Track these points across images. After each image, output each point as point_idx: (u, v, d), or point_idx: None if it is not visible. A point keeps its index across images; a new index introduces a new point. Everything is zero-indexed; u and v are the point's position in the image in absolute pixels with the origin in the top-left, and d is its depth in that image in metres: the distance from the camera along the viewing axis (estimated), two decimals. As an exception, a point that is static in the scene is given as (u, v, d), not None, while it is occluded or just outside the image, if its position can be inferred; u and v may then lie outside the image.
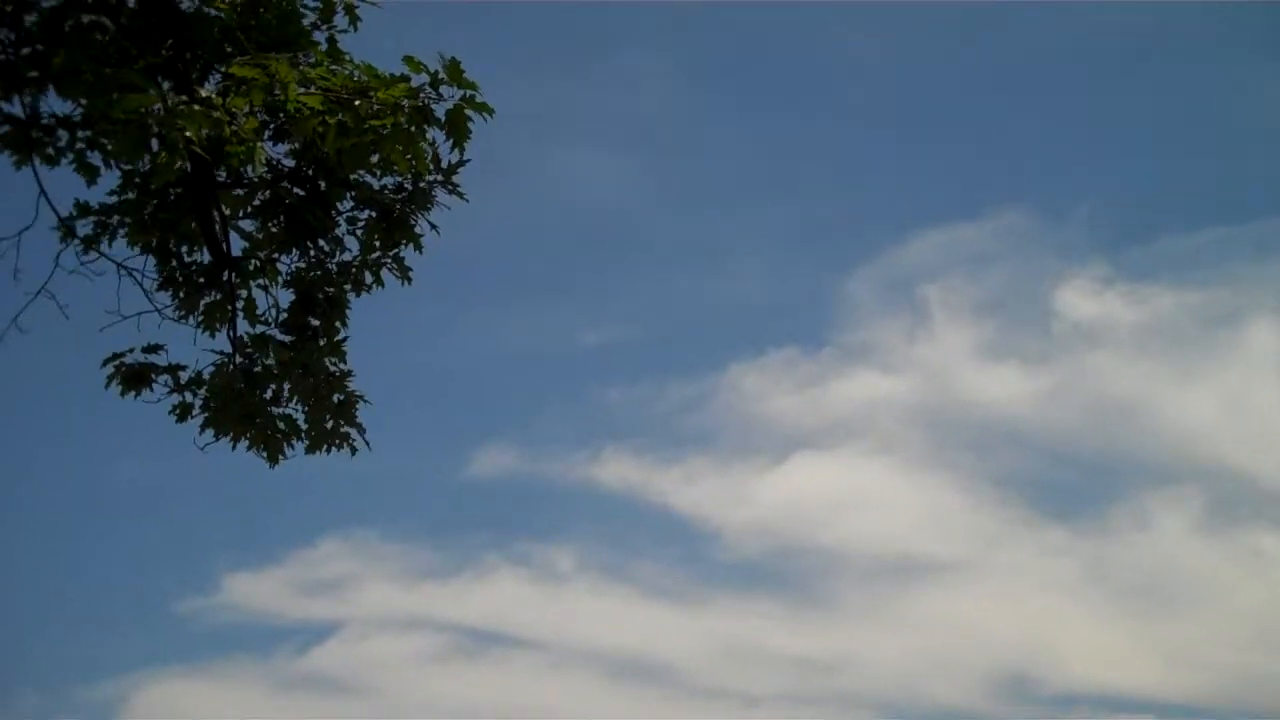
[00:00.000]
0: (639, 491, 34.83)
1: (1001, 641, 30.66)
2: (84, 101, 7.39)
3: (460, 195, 7.76)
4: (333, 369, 8.44)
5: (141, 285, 8.58)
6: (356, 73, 6.65)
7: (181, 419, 8.71)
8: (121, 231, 8.43)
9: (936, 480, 34.46)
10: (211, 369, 8.56)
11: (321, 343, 8.54)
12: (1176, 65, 38.65)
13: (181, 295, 8.58)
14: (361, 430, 8.65)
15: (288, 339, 8.59)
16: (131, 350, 8.63)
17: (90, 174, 8.09)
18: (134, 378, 8.65)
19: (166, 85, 6.88)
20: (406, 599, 31.94)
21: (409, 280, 8.21)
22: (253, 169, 6.69)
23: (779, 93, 40.10)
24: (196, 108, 6.00)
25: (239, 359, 8.46)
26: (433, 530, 34.27)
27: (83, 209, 8.37)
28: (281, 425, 8.57)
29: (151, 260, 8.57)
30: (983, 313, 36.64)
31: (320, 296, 8.35)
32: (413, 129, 6.44)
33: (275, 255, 8.34)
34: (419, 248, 8.06)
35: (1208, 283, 35.63)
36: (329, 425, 8.54)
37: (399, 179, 7.72)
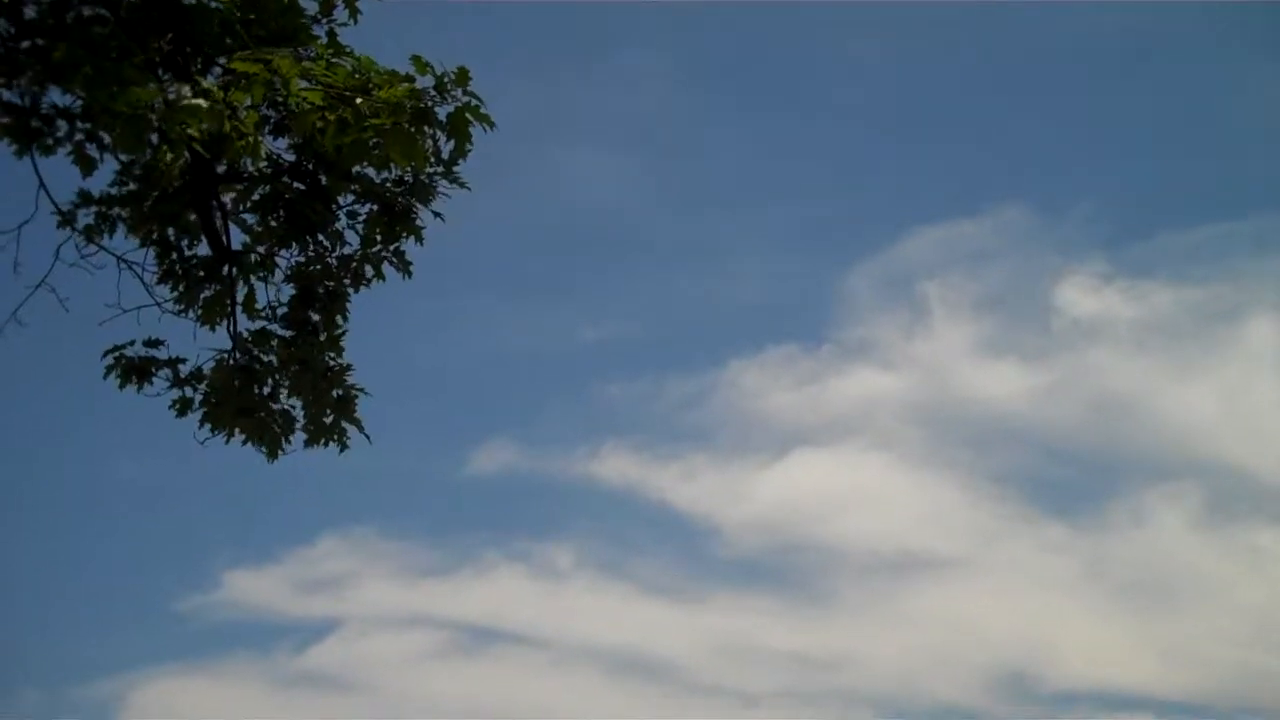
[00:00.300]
0: (638, 488, 34.84)
1: (1000, 638, 30.69)
2: (83, 93, 7.37)
3: (462, 185, 7.73)
4: (332, 364, 8.42)
5: (141, 279, 8.57)
6: (357, 67, 6.61)
7: (181, 413, 8.70)
8: (121, 223, 8.43)
9: (935, 477, 34.47)
10: (211, 364, 8.53)
11: (321, 337, 8.52)
12: (1175, 63, 38.62)
13: (181, 289, 8.57)
14: (360, 425, 8.64)
15: (287, 334, 8.59)
16: (132, 343, 8.64)
17: (88, 165, 8.06)
18: (134, 370, 8.64)
19: (167, 78, 6.87)
20: (406, 596, 31.97)
21: (409, 274, 8.19)
22: (253, 163, 6.67)
23: (778, 91, 40.05)
24: (198, 102, 5.97)
25: (238, 354, 8.43)
26: (432, 527, 34.26)
27: (84, 198, 8.36)
28: (280, 420, 8.54)
29: (151, 254, 8.58)
30: (982, 309, 36.64)
31: (320, 291, 8.33)
32: (413, 129, 6.42)
33: (275, 250, 8.32)
34: (420, 240, 8.06)
35: (1207, 279, 35.62)
36: (328, 420, 8.52)
37: (400, 172, 7.70)
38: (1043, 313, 35.97)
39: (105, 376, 8.64)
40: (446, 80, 6.60)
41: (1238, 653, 29.35)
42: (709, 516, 35.33)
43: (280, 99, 6.37)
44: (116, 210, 8.41)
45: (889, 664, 30.64)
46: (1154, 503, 32.54)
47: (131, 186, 8.30)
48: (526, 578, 32.36)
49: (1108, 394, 34.89)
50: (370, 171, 7.74)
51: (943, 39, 38.05)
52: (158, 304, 8.40)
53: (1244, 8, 33.39)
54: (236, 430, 8.66)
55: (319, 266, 8.41)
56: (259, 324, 8.62)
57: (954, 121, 39.88)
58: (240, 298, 8.58)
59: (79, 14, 7.29)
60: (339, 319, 8.53)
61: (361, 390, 8.65)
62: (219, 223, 8.42)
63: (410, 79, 6.54)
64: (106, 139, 7.91)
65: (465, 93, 6.62)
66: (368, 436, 8.56)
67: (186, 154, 6.65)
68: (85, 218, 8.40)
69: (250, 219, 8.39)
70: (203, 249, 8.58)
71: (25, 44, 7.34)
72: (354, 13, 7.69)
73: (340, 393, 8.54)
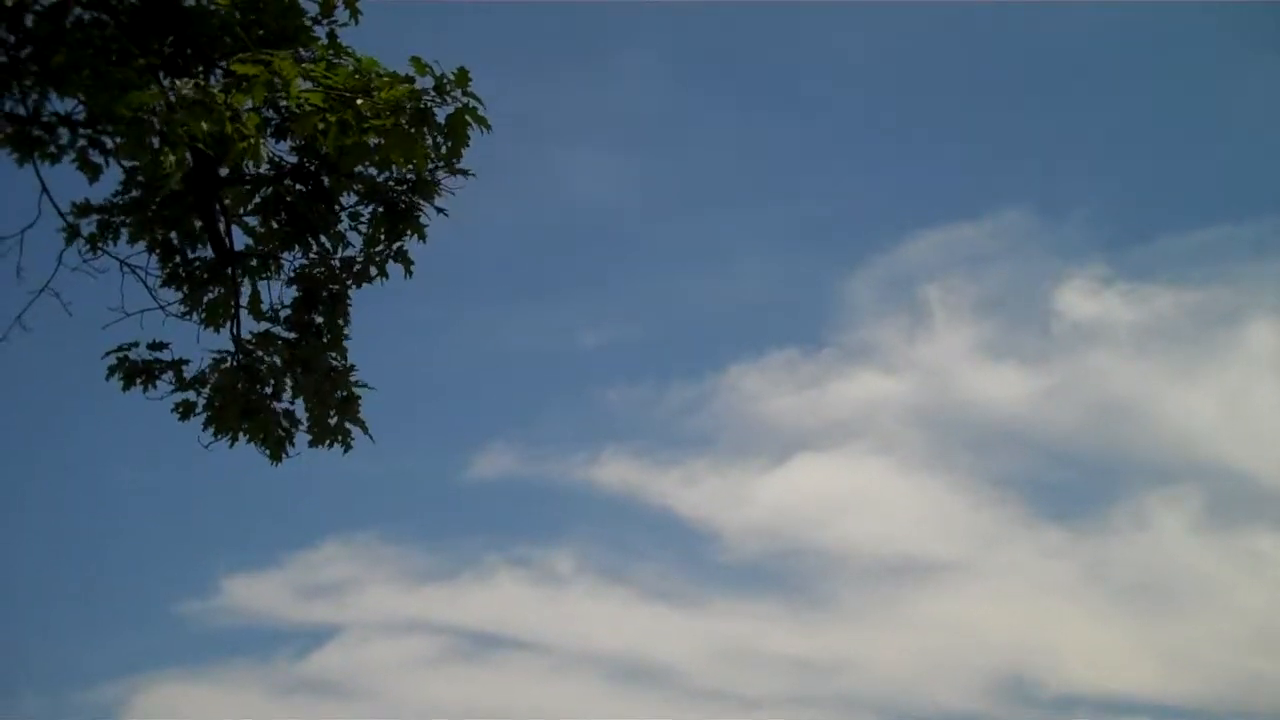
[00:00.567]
0: (638, 493, 34.77)
1: (1000, 643, 30.62)
2: (84, 98, 7.39)
3: (465, 173, 7.74)
4: (335, 365, 8.44)
5: (145, 282, 8.58)
6: (358, 68, 6.63)
7: (184, 417, 8.70)
8: (125, 230, 8.44)
9: (936, 481, 34.39)
10: (213, 367, 8.54)
11: (324, 339, 8.53)
12: (1175, 65, 38.56)
13: (185, 291, 8.59)
14: (364, 426, 8.65)
15: (291, 335, 8.61)
16: (135, 345, 8.64)
17: (92, 172, 8.06)
18: (137, 373, 8.65)
19: (167, 81, 6.88)
20: (406, 602, 31.91)
21: (411, 272, 8.20)
22: (255, 165, 6.69)
23: (779, 93, 40.03)
24: (198, 104, 5.99)
25: (241, 356, 8.45)
26: (432, 533, 34.21)
27: (84, 208, 8.36)
28: (284, 422, 8.55)
29: (155, 258, 8.59)
30: (982, 312, 36.56)
31: (324, 293, 8.35)
32: (413, 130, 6.43)
33: (278, 251, 8.34)
34: (423, 238, 8.07)
35: (1207, 282, 35.53)
36: (332, 421, 8.54)
37: (401, 171, 7.71)
38: (1043, 316, 35.91)
39: (108, 378, 8.64)
40: (446, 82, 6.62)
41: (1238, 657, 29.30)
42: (709, 521, 35.25)
43: (282, 100, 6.38)
44: (120, 218, 8.43)
45: (890, 668, 30.60)
46: (1154, 506, 32.48)
47: (135, 194, 8.31)
48: (527, 583, 32.35)
49: (1108, 397, 34.84)
50: (372, 171, 7.76)
51: (944, 41, 38.10)
52: (161, 307, 8.41)
53: (1244, 9, 33.44)
54: (240, 433, 8.68)
55: (322, 269, 8.43)
56: (263, 326, 8.65)
57: (954, 124, 39.90)
58: (244, 300, 8.62)
59: (78, 19, 7.31)
60: (341, 320, 8.53)
61: (366, 386, 8.66)
62: (222, 226, 8.44)
63: (410, 80, 6.55)
64: (109, 144, 7.94)
65: (465, 94, 6.63)
66: (371, 437, 8.58)
67: (188, 156, 6.65)
68: (88, 226, 8.42)
69: (253, 221, 8.43)
70: (206, 252, 8.62)
71: (26, 50, 7.34)
72: (355, 13, 7.70)
73: (344, 394, 8.54)
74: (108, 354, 8.60)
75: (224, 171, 8.02)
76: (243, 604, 30.92)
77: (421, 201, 8.06)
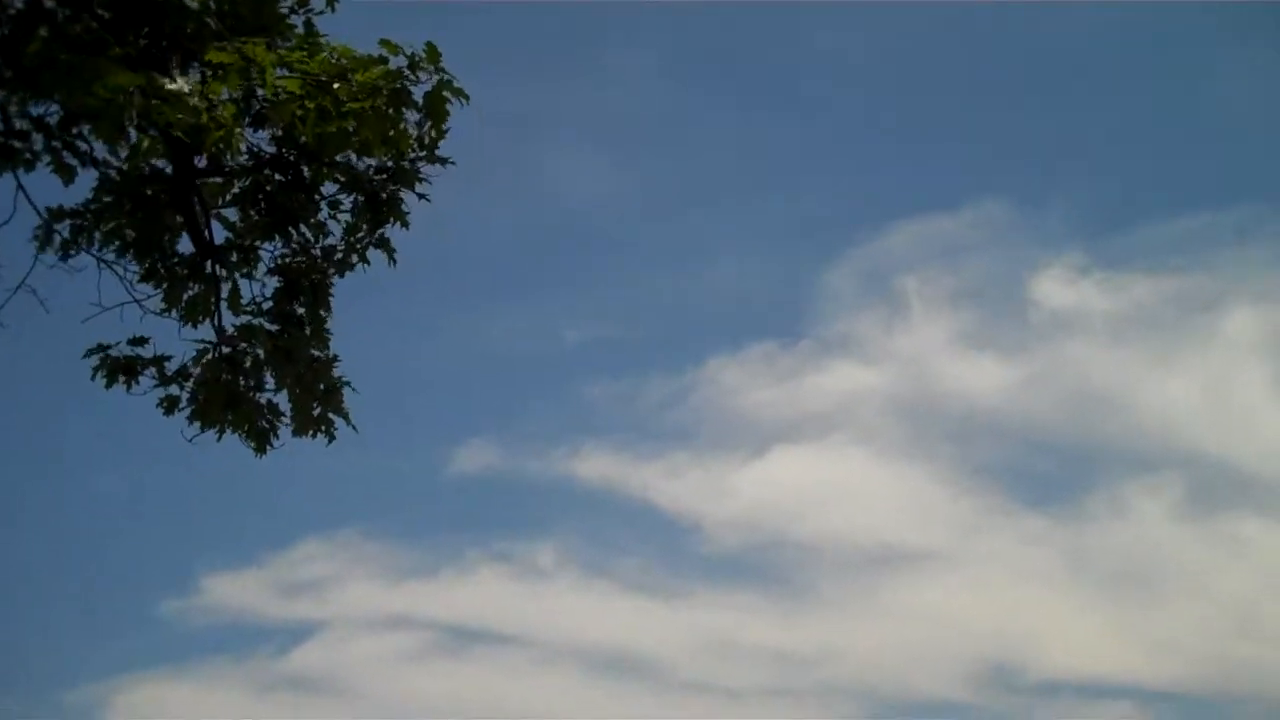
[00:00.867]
0: (619, 487, 34.95)
1: (981, 631, 30.81)
2: (60, 96, 7.37)
3: (445, 163, 7.75)
4: (318, 355, 8.44)
5: (122, 279, 8.55)
6: (334, 55, 6.64)
7: (169, 412, 8.69)
8: (98, 234, 8.39)
9: (915, 470, 34.62)
10: (196, 360, 8.54)
11: (307, 330, 8.54)
12: (1152, 55, 38.93)
13: (165, 288, 8.58)
14: (347, 417, 8.67)
15: (273, 328, 8.60)
16: (117, 344, 8.63)
17: (67, 175, 8.04)
18: (120, 369, 8.64)
19: (143, 73, 6.86)
20: (388, 598, 31.99)
21: (394, 260, 8.21)
22: (232, 155, 6.69)
23: (757, 88, 40.26)
24: (174, 91, 5.98)
25: (224, 348, 8.45)
26: (413, 528, 34.28)
27: (58, 213, 8.31)
28: (267, 414, 8.56)
29: (131, 255, 8.55)
30: (960, 303, 36.80)
31: (305, 283, 8.35)
32: (391, 111, 6.44)
33: (258, 244, 8.34)
34: (406, 226, 8.07)
35: (1185, 270, 35.82)
36: (315, 412, 8.55)
37: (382, 160, 7.72)
38: (1021, 306, 36.20)
39: (93, 377, 8.60)
40: (418, 59, 6.63)
41: (1218, 643, 29.54)
42: (690, 514, 35.46)
43: (258, 87, 6.38)
44: (93, 222, 8.38)
45: (871, 658, 30.77)
46: (1134, 494, 32.72)
47: (108, 199, 8.27)
48: (509, 577, 32.46)
49: (1087, 386, 35.11)
50: (353, 159, 7.76)
51: (921, 35, 38.34)
52: (138, 301, 8.37)
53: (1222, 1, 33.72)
54: (225, 425, 8.68)
55: (303, 259, 8.43)
56: (244, 319, 8.65)
57: (932, 116, 40.14)
58: (225, 294, 8.61)
59: (53, 14, 7.29)
60: (324, 311, 8.54)
61: (348, 384, 8.68)
62: (201, 220, 8.43)
63: (383, 61, 6.56)
64: (84, 147, 7.93)
65: (438, 70, 6.63)
66: (354, 427, 8.59)
67: (163, 146, 6.64)
68: (62, 231, 8.36)
69: (232, 215, 8.42)
70: (184, 248, 8.61)
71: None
72: (331, 1, 7.70)
73: (326, 385, 8.55)
74: (89, 353, 8.60)
75: (202, 164, 8.02)
76: (223, 602, 30.98)
77: (403, 190, 8.07)
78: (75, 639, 30.48)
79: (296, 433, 8.54)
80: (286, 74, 6.40)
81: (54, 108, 7.67)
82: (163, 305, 8.57)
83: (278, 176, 7.73)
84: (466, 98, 6.85)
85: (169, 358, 8.70)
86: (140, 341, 8.64)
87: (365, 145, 6.61)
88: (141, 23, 7.27)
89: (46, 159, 7.88)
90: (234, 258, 8.53)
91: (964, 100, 40.17)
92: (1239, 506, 32.47)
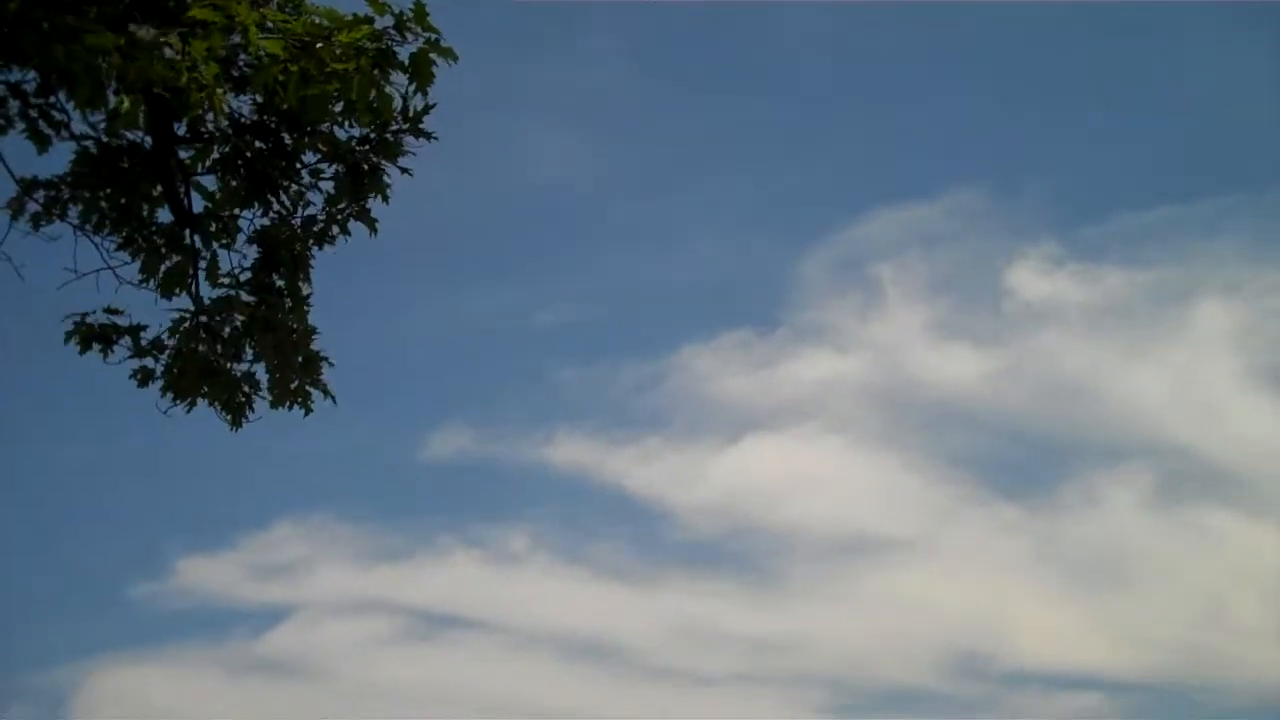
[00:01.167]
0: (593, 472, 34.92)
1: (953, 620, 30.94)
2: (38, 61, 7.27)
3: (429, 137, 7.69)
4: (297, 326, 8.37)
5: (99, 249, 8.47)
6: (318, 16, 6.56)
7: (143, 384, 8.59)
8: (73, 206, 8.29)
9: (889, 459, 34.72)
10: (172, 330, 8.45)
11: (286, 301, 8.47)
12: (1127, 45, 39.05)
13: (142, 259, 8.49)
14: (326, 389, 8.60)
15: (251, 299, 8.52)
16: (94, 312, 8.54)
17: (42, 142, 7.94)
18: (95, 337, 8.54)
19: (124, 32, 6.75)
20: (361, 582, 31.91)
21: (375, 230, 8.14)
22: (215, 118, 6.61)
23: (733, 72, 40.19)
24: (152, 43, 5.88)
25: (201, 317, 8.37)
26: (387, 512, 34.18)
27: (31, 185, 8.20)
28: (244, 386, 8.48)
29: (108, 226, 8.44)
30: (935, 292, 36.91)
31: (285, 254, 8.27)
32: (376, 72, 6.37)
33: (237, 213, 8.25)
34: (387, 199, 8.00)
35: (1158, 261, 36.07)
36: (293, 384, 8.48)
37: (365, 130, 7.65)
38: (995, 296, 36.30)
39: (66, 342, 8.53)
40: (405, 19, 6.55)
41: (1188, 633, 29.77)
42: (663, 500, 35.47)
43: (240, 51, 6.29)
44: (69, 193, 8.29)
45: (842, 646, 30.89)
46: (1106, 484, 32.90)
47: (85, 169, 8.17)
48: (482, 562, 32.43)
49: (1060, 376, 35.26)
50: (336, 130, 7.69)
51: (896, 18, 38.36)
52: (111, 269, 8.26)
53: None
54: (200, 397, 8.60)
55: (284, 230, 8.35)
56: (222, 291, 8.56)
57: (907, 101, 40.19)
58: (203, 265, 8.53)
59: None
60: (303, 282, 8.47)
61: (326, 359, 8.62)
62: (179, 187, 8.34)
63: (369, 20, 6.49)
64: (59, 116, 7.83)
65: (425, 28, 6.57)
66: (333, 399, 8.52)
67: (144, 109, 6.55)
68: (36, 203, 8.26)
69: (211, 185, 8.33)
70: (163, 216, 8.51)
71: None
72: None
73: (305, 356, 8.48)
74: (66, 318, 8.50)
75: (182, 131, 7.93)
76: (196, 585, 30.83)
77: (385, 162, 8.01)
78: (46, 621, 30.26)
79: (274, 404, 8.46)
80: (269, 35, 6.30)
81: (31, 74, 7.58)
82: (140, 276, 8.49)
83: (258, 143, 7.64)
84: (455, 58, 6.77)
85: (144, 327, 8.62)
86: (115, 311, 8.55)
87: (348, 108, 6.53)
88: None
89: (21, 125, 7.79)
90: (212, 227, 8.45)
91: (941, 88, 40.26)
92: (1208, 497, 32.73)
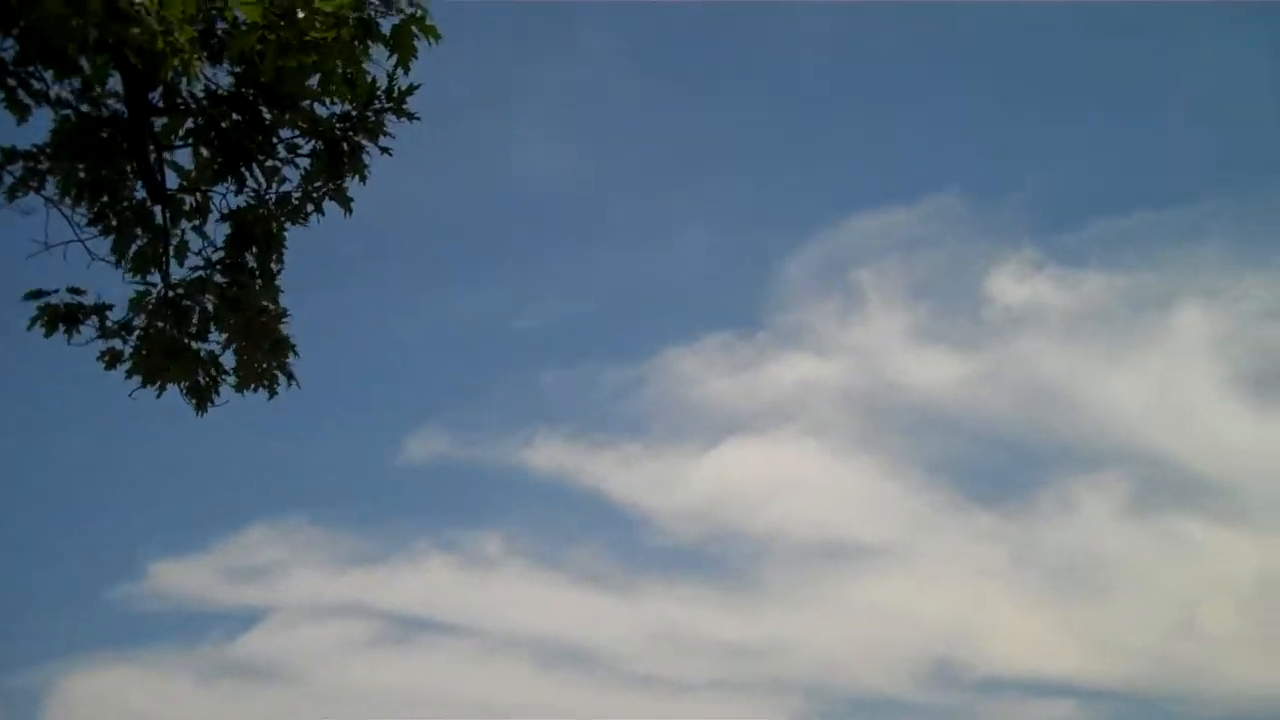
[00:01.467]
0: (571, 476, 34.80)
1: (929, 626, 30.95)
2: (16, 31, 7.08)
3: (412, 118, 7.51)
4: (267, 307, 8.17)
5: (71, 222, 8.26)
6: (300, -15, 6.37)
7: (110, 366, 8.36)
8: (51, 178, 8.11)
9: (868, 464, 34.75)
10: (134, 304, 8.24)
11: (257, 282, 8.27)
12: (1106, 54, 39.33)
13: (114, 238, 8.29)
14: (292, 374, 8.40)
15: (223, 281, 8.33)
16: (56, 291, 8.31)
17: (21, 112, 7.75)
18: (59, 318, 8.31)
19: None
20: (335, 585, 31.70)
21: (350, 210, 7.94)
22: (189, 82, 6.41)
23: (722, 77, 40.27)
24: (129, 15, 5.68)
25: (168, 293, 8.16)
26: (362, 516, 34.01)
27: (10, 154, 8.02)
28: (209, 366, 8.28)
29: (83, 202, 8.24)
30: (916, 297, 37.05)
31: (258, 232, 8.08)
32: (355, 43, 6.18)
33: (210, 189, 8.06)
34: (364, 180, 7.80)
35: (1137, 267, 36.33)
36: (261, 367, 8.28)
37: (346, 107, 7.47)
38: (975, 301, 36.46)
39: (30, 327, 8.31)
40: (393, -12, 6.38)
41: (1161, 642, 29.81)
42: (642, 505, 35.40)
43: (217, 10, 6.08)
44: (46, 164, 8.10)
45: (819, 652, 30.86)
46: (1082, 491, 33.02)
47: (62, 144, 7.97)
48: (458, 566, 32.26)
49: (1038, 382, 35.39)
50: (315, 106, 7.50)
51: (880, 26, 38.53)
52: (82, 241, 8.06)
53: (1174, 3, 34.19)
54: (166, 380, 8.40)
55: (261, 210, 8.15)
56: (192, 272, 8.37)
57: (890, 107, 40.33)
58: (174, 244, 8.33)
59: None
60: (275, 263, 8.27)
61: (293, 347, 8.42)
62: (154, 161, 8.14)
63: (354, -12, 6.31)
64: (38, 85, 7.64)
65: (412, 2, 6.39)
66: (298, 384, 8.31)
67: (117, 71, 6.34)
68: (13, 174, 8.07)
69: (184, 162, 8.14)
70: (136, 195, 8.31)
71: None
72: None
73: (273, 338, 8.28)
74: (26, 297, 8.27)
75: (157, 101, 7.73)
76: (171, 588, 30.56)
77: (365, 141, 7.83)
78: (21, 623, 29.90)
79: (239, 386, 8.24)
80: (248, 1, 6.11)
81: (9, 42, 7.39)
82: (111, 253, 8.30)
83: (234, 115, 7.44)
84: (438, 36, 6.60)
85: (110, 306, 8.40)
86: (79, 291, 8.33)
87: (326, 79, 6.32)
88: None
89: (0, 95, 7.60)
90: (186, 205, 8.26)
91: (922, 93, 40.41)
92: (1184, 505, 32.85)
